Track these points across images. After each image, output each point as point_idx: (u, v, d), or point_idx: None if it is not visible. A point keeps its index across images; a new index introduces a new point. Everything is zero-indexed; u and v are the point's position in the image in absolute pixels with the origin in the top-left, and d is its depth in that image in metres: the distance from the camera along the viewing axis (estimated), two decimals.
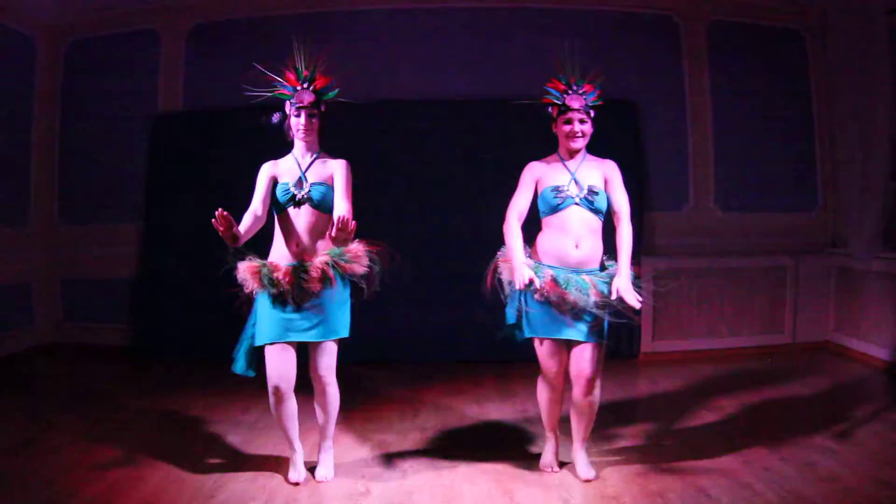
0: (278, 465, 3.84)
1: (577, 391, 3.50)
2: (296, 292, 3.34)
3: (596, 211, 3.46)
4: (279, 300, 3.36)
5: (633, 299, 3.25)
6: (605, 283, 3.40)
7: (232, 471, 3.74)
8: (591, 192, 3.43)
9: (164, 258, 6.48)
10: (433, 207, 6.09)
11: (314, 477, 3.64)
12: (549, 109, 3.55)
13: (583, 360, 3.44)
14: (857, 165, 6.06)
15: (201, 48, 6.68)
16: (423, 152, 6.27)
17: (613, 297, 3.25)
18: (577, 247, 3.43)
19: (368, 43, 6.45)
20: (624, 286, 3.28)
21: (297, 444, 3.64)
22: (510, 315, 3.55)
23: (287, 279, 3.32)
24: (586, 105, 3.48)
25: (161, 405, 5.01)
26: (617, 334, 6.10)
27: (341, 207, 3.38)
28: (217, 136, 6.33)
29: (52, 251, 6.80)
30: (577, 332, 3.42)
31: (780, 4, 6.63)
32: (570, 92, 3.47)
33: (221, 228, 3.13)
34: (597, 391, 3.51)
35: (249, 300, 3.46)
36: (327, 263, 3.36)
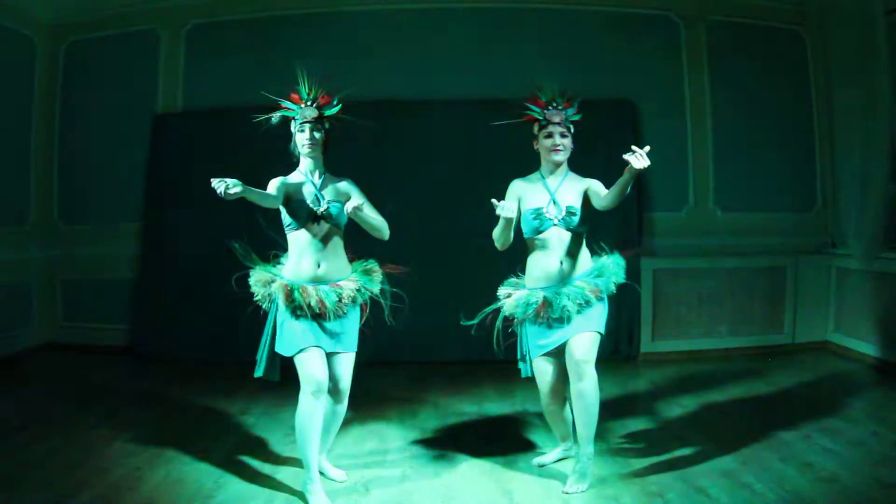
0: (277, 465, 3.84)
1: (570, 379, 3.53)
2: (325, 314, 3.39)
3: (576, 230, 3.55)
4: (300, 314, 3.38)
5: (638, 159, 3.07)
6: (596, 276, 3.55)
7: (232, 471, 3.74)
8: (570, 212, 3.52)
9: (164, 258, 6.49)
10: (433, 208, 6.09)
11: (333, 479, 3.67)
12: (534, 128, 3.63)
13: (573, 345, 3.48)
14: (857, 166, 6.06)
15: (200, 48, 6.69)
16: (422, 152, 6.27)
17: (630, 159, 3.07)
18: (560, 263, 3.53)
19: (368, 43, 6.46)
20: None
21: (317, 470, 3.48)
22: (524, 368, 3.74)
23: (320, 305, 3.37)
24: (566, 119, 3.57)
25: (160, 405, 5.02)
26: (616, 335, 6.19)
27: (377, 216, 3.56)
28: (216, 136, 6.33)
29: (51, 251, 6.80)
30: (567, 331, 3.49)
31: (779, 4, 6.64)
32: (550, 107, 3.57)
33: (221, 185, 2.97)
34: (587, 381, 3.46)
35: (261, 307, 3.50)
36: (358, 290, 3.50)
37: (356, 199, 3.36)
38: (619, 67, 6.46)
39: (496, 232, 3.51)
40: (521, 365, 3.76)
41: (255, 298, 3.47)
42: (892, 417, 4.43)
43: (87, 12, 6.72)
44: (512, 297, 3.62)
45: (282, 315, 3.40)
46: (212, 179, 2.94)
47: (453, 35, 6.52)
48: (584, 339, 3.48)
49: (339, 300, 3.42)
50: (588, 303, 3.48)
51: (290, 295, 3.35)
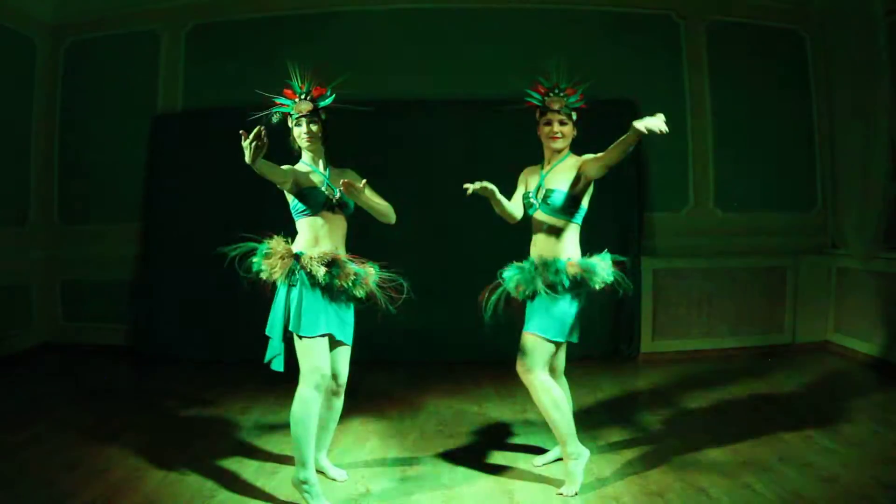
0: (277, 465, 3.84)
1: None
2: (344, 290, 3.41)
3: (557, 211, 3.51)
4: (323, 293, 3.36)
5: (649, 123, 3.03)
6: (551, 270, 3.46)
7: (231, 472, 3.74)
8: (546, 195, 3.52)
9: (163, 258, 6.48)
10: (432, 207, 6.08)
11: (333, 479, 3.67)
12: (536, 114, 3.63)
13: (519, 348, 3.52)
14: (857, 166, 6.06)
15: (200, 49, 6.69)
16: (422, 153, 6.27)
17: (638, 124, 3.04)
18: (534, 245, 3.59)
19: (367, 44, 6.45)
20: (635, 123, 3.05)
21: (314, 467, 3.45)
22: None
23: (353, 276, 3.40)
24: (566, 106, 3.55)
25: (160, 405, 5.01)
26: (616, 334, 6.19)
27: (381, 200, 3.59)
28: (216, 137, 6.30)
29: (51, 251, 6.80)
30: (527, 322, 3.53)
31: (780, 4, 6.63)
32: (551, 94, 3.56)
33: (251, 139, 2.95)
34: (532, 390, 3.47)
35: (272, 286, 3.40)
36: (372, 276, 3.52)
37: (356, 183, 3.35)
38: (620, 67, 6.45)
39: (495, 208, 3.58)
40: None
41: (268, 271, 3.33)
42: (892, 417, 4.43)
43: (88, 13, 6.72)
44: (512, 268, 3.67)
45: (301, 292, 3.33)
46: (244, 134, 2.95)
47: (452, 35, 6.52)
48: (526, 340, 3.48)
49: (366, 276, 3.46)
50: (539, 296, 3.43)
51: (335, 262, 3.34)
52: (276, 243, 3.39)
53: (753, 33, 6.63)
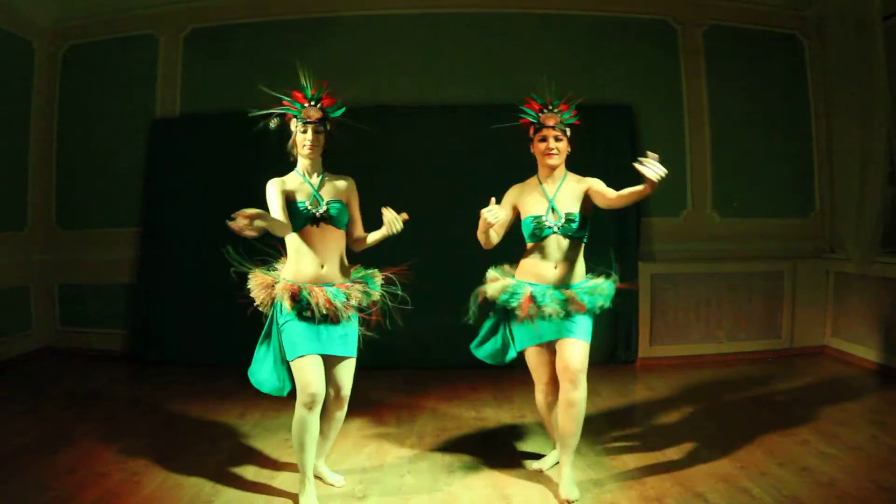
0: (275, 470, 3.84)
1: (562, 387, 3.48)
2: (333, 315, 3.35)
3: (575, 233, 3.52)
4: (306, 315, 3.32)
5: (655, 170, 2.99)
6: (585, 293, 3.50)
7: (229, 476, 3.74)
8: (569, 219, 3.50)
9: (162, 262, 6.48)
10: (431, 212, 6.07)
11: (331, 484, 3.67)
12: (530, 131, 3.63)
13: (567, 353, 3.45)
14: (855, 170, 6.07)
15: (199, 53, 6.70)
16: (422, 157, 6.26)
17: (645, 171, 2.98)
18: (555, 268, 3.52)
19: (365, 49, 6.47)
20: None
21: (312, 475, 3.47)
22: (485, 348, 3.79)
23: (328, 306, 3.31)
24: (561, 122, 3.54)
25: (158, 410, 5.01)
26: (614, 340, 6.19)
27: (359, 226, 3.61)
28: (214, 141, 6.34)
29: (49, 256, 6.80)
30: (562, 331, 3.47)
31: (777, 9, 6.65)
32: (545, 111, 3.55)
33: (244, 222, 2.87)
34: (581, 390, 3.43)
35: (263, 312, 3.42)
36: (365, 293, 3.46)
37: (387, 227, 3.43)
38: (617, 72, 6.48)
39: (478, 232, 3.48)
40: (504, 355, 3.71)
41: (255, 304, 3.39)
42: (889, 421, 4.44)
43: (86, 16, 6.73)
44: (498, 282, 3.60)
45: (283, 318, 3.33)
46: (232, 219, 2.85)
47: (451, 40, 6.53)
48: (578, 347, 3.44)
49: (347, 300, 3.37)
50: (569, 314, 3.45)
51: (296, 295, 3.29)
52: (256, 277, 3.41)
53: (751, 38, 6.65)
